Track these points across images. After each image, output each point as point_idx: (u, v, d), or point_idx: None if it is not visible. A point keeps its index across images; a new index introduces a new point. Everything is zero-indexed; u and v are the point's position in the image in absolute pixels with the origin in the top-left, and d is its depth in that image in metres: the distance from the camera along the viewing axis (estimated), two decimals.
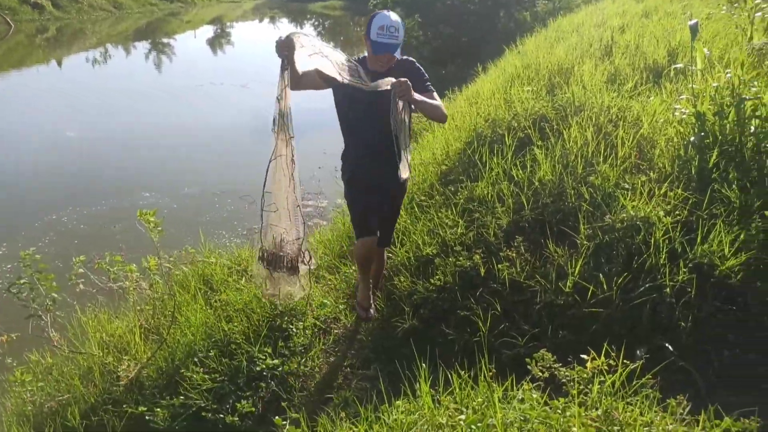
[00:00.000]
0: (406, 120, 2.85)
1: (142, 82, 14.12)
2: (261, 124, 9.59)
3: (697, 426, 1.70)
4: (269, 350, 3.06)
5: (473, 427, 1.62)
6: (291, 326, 3.23)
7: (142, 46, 21.66)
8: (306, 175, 7.10)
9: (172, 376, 3.03)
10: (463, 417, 1.69)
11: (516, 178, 3.57)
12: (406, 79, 2.69)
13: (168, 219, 5.81)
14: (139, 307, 3.48)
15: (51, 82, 14.26)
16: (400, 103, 2.76)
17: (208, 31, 28.01)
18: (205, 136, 9.34)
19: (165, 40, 23.30)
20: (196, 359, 3.04)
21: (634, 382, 1.99)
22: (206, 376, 2.90)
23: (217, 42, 24.77)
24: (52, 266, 3.54)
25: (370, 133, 3.00)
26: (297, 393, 2.88)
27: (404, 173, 2.89)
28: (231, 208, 6.41)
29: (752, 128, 3.21)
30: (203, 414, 2.74)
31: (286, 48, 2.59)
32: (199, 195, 6.79)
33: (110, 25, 26.51)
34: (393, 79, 2.69)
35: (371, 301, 3.42)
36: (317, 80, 2.82)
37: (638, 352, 2.34)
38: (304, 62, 2.62)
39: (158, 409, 2.77)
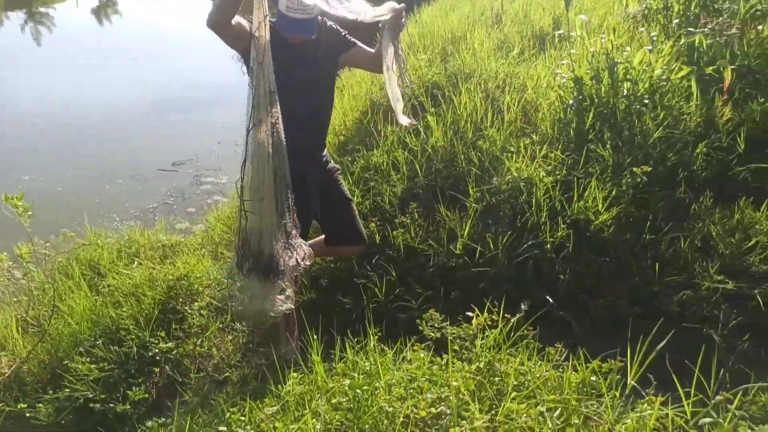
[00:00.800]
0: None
1: (18, 57, 12.87)
2: (151, 99, 9.10)
3: (568, 370, 1.81)
4: (162, 334, 2.94)
5: (359, 390, 1.64)
6: (186, 307, 3.12)
7: (17, 16, 19.69)
8: (204, 151, 6.83)
9: (56, 368, 2.85)
10: (348, 382, 1.71)
11: (410, 146, 3.60)
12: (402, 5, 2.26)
13: (51, 203, 5.39)
14: (15, 299, 3.22)
15: None
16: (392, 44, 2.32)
17: None
18: (93, 113, 8.68)
19: (43, 10, 21.29)
20: (81, 349, 2.86)
21: (516, 334, 2.09)
22: (93, 366, 2.74)
23: (102, 12, 22.93)
24: None
25: (303, 109, 2.44)
26: (194, 375, 2.80)
27: (403, 120, 2.45)
28: (122, 189, 6.03)
29: (624, 91, 3.43)
30: (91, 405, 2.60)
31: None
32: (86, 176, 6.32)
33: None
34: (395, 4, 2.26)
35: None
36: (244, 31, 2.20)
37: (522, 305, 2.46)
38: None
39: (40, 405, 2.60)
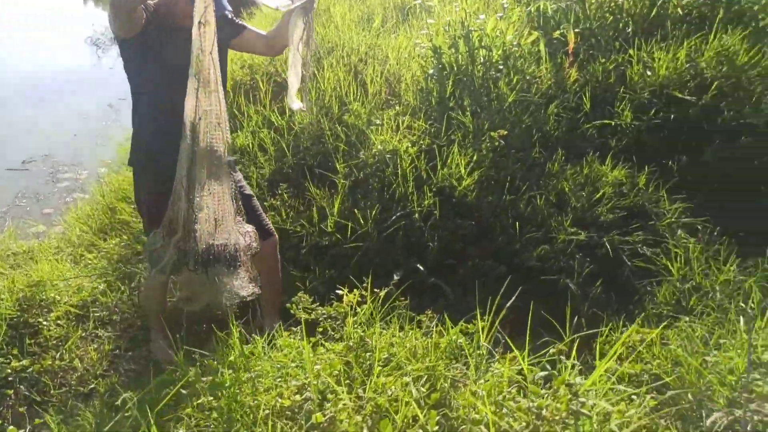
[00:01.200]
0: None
1: None
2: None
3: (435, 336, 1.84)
4: (15, 351, 2.67)
5: (221, 391, 1.57)
6: (40, 319, 2.84)
7: None
8: (59, 145, 6.24)
9: None
10: (205, 380, 1.63)
11: (276, 125, 3.49)
12: None
13: None
14: None
15: None
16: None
17: None
18: None
19: None
20: None
21: (386, 306, 2.10)
22: None
23: None
24: None
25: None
26: (55, 391, 2.56)
27: (294, 104, 2.32)
28: None
29: (480, 58, 3.53)
30: None
31: None
32: None
33: None
34: None
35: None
36: (141, 17, 2.06)
37: (395, 275, 2.48)
38: None
39: None
